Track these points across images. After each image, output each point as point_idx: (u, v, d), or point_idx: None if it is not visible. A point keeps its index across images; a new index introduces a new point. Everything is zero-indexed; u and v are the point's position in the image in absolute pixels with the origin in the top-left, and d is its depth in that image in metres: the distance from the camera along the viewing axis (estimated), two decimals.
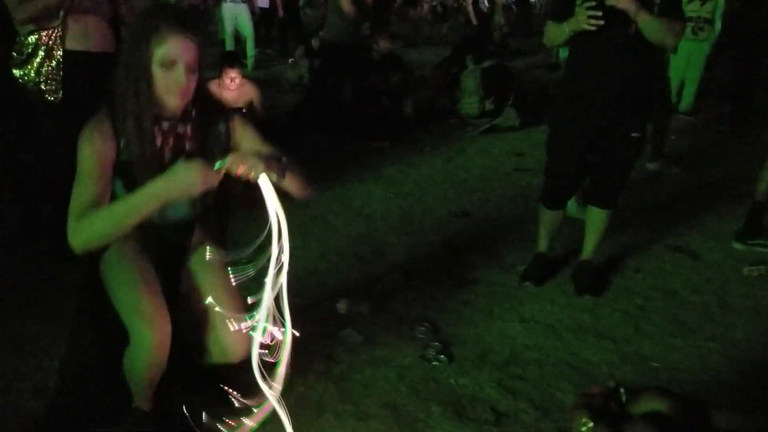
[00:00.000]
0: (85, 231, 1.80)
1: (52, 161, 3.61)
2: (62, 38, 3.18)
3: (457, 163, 5.79)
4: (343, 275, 3.60)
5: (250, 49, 9.93)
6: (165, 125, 1.93)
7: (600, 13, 2.89)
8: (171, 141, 1.95)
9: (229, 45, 9.68)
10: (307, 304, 3.20)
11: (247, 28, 9.79)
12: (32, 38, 3.17)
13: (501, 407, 2.57)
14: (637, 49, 3.03)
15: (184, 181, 1.76)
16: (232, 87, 5.58)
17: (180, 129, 1.96)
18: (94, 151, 1.83)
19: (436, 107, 7.57)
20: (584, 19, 2.93)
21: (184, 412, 2.12)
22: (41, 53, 3.17)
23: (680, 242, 4.14)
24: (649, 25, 2.91)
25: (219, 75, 5.61)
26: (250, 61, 9.75)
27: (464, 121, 7.15)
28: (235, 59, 5.86)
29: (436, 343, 2.92)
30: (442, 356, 2.83)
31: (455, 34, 12.65)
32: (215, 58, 5.90)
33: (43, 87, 3.22)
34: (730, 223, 4.28)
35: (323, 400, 2.56)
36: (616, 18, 2.91)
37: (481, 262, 3.80)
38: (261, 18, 10.85)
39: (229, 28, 9.80)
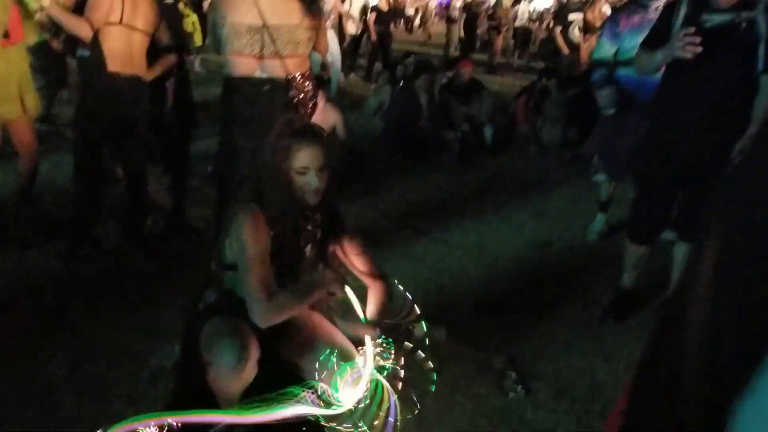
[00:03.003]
0: (277, 307, 2.13)
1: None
2: None
3: (537, 192, 5.72)
4: (420, 300, 3.58)
5: (335, 74, 10.12)
6: (305, 216, 2.27)
7: (698, 40, 2.77)
8: (309, 227, 2.28)
9: (315, 69, 9.89)
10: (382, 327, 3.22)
11: (335, 53, 10.00)
12: None
13: None
14: (737, 79, 2.92)
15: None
16: (316, 111, 5.70)
17: (316, 217, 2.29)
18: (260, 239, 2.15)
19: (517, 134, 7.52)
20: (681, 46, 2.82)
21: None
22: None
23: None
24: None
25: None
26: (334, 86, 9.92)
27: (546, 150, 7.07)
28: (320, 83, 5.99)
29: (513, 374, 2.87)
30: (519, 387, 2.79)
31: (541, 61, 12.59)
32: None
33: None
34: None
35: (397, 424, 2.56)
36: (715, 45, 2.81)
37: (562, 294, 3.73)
38: (349, 44, 11.06)
39: (315, 53, 10.02)
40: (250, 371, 2.16)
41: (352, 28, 10.77)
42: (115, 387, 2.66)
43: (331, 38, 9.80)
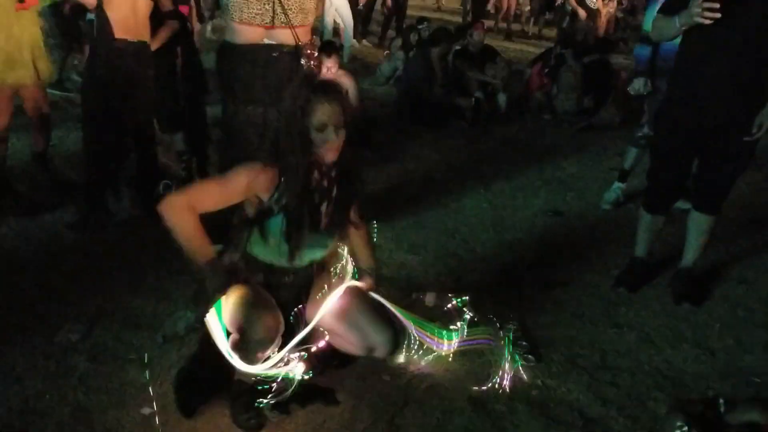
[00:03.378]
0: (171, 216, 2.11)
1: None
2: None
3: (551, 160, 5.67)
4: (432, 269, 3.61)
5: (348, 40, 10.02)
6: (321, 172, 2.25)
7: (717, 6, 2.69)
8: (325, 184, 2.27)
9: (327, 35, 9.81)
10: (395, 296, 3.22)
11: (347, 19, 9.89)
12: None
13: (589, 412, 2.52)
14: (756, 47, 2.86)
15: (211, 285, 2.15)
16: (329, 76, 5.66)
17: (332, 174, 2.27)
18: (246, 183, 2.16)
19: (532, 103, 7.44)
20: (699, 12, 2.75)
21: None
22: None
23: None
24: None
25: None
26: (346, 52, 9.80)
27: (560, 118, 7.00)
28: (332, 49, 5.92)
29: (525, 342, 2.88)
30: (530, 356, 2.80)
31: (557, 28, 12.40)
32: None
33: None
34: None
35: (408, 391, 2.58)
36: (733, 12, 2.74)
37: (574, 264, 3.72)
38: (362, 10, 10.91)
39: (328, 18, 9.93)
40: (275, 341, 2.21)
41: None
42: (128, 351, 2.68)
43: (344, 4, 9.71)
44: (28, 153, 4.43)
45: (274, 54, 3.14)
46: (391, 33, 11.14)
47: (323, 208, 2.29)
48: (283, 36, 3.15)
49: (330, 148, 2.16)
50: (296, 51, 3.18)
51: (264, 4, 3.06)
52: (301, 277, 2.42)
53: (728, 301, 3.40)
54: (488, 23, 12.95)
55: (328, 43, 6.43)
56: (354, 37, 10.40)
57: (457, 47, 7.40)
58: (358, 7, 10.84)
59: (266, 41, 3.13)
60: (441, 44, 6.87)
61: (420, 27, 8.71)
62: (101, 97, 3.68)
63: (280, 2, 3.08)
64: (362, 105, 5.99)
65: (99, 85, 3.67)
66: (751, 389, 2.69)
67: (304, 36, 3.23)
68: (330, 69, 5.64)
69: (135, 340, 2.76)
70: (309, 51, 3.25)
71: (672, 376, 2.76)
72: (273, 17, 3.09)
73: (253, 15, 3.07)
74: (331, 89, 2.18)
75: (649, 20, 4.14)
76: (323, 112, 2.12)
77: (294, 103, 2.15)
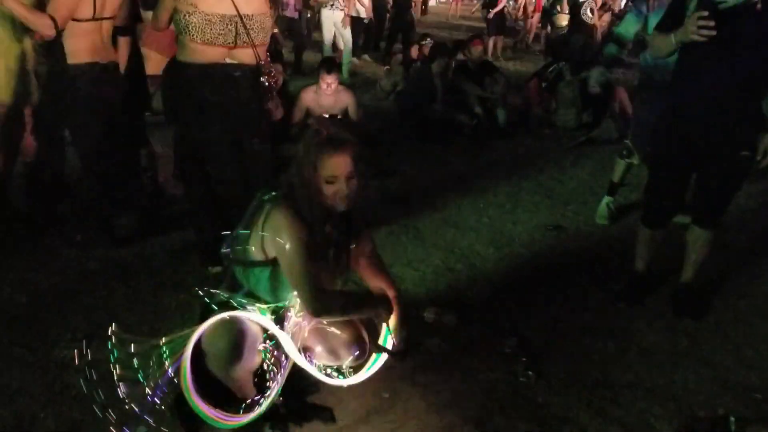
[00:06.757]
0: (327, 310, 2.22)
1: None
2: None
3: (550, 175, 5.67)
4: (431, 284, 3.59)
5: (347, 56, 10.07)
6: (333, 222, 2.24)
7: (712, 23, 2.73)
8: (334, 234, 2.25)
9: (327, 51, 9.86)
10: None
11: (346, 35, 9.94)
12: None
13: (590, 430, 2.49)
14: (751, 62, 2.87)
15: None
16: (329, 92, 5.68)
17: (341, 224, 2.26)
18: (301, 230, 2.14)
19: (531, 117, 7.45)
20: (695, 30, 2.78)
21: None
22: None
23: None
24: None
25: (316, 81, 5.73)
26: (345, 68, 9.84)
27: (560, 133, 7.00)
28: (332, 65, 5.95)
29: (525, 359, 2.86)
30: (530, 372, 2.78)
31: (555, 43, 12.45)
32: (314, 64, 6.03)
33: None
34: None
35: (408, 407, 2.56)
36: (728, 29, 2.76)
37: (574, 278, 3.70)
38: (360, 26, 10.95)
39: (327, 35, 9.99)
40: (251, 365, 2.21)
41: (363, 11, 10.67)
42: (124, 369, 2.66)
43: (343, 22, 9.76)
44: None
45: (237, 73, 3.22)
46: (398, 47, 11.19)
47: (329, 254, 2.27)
48: (244, 55, 3.24)
49: (340, 198, 2.15)
50: (257, 69, 3.28)
51: (227, 24, 3.12)
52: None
53: (729, 315, 3.38)
54: (507, 41, 13.11)
55: (328, 60, 6.47)
56: (354, 54, 10.45)
57: (459, 58, 7.43)
58: (365, 21, 10.89)
59: (228, 60, 3.21)
60: (438, 59, 6.90)
61: (423, 43, 8.77)
62: (90, 124, 3.61)
63: (243, 23, 3.15)
64: (367, 127, 5.99)
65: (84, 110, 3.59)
66: (753, 406, 2.67)
67: (263, 54, 3.33)
68: (330, 85, 5.66)
69: (131, 358, 2.73)
70: (268, 68, 3.38)
71: (673, 392, 2.74)
72: (236, 37, 3.16)
73: (216, 35, 3.12)
74: (339, 141, 2.16)
75: (625, 27, 4.33)
76: (332, 165, 2.12)
77: (305, 155, 2.15)
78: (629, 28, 4.28)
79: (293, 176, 2.18)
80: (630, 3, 4.65)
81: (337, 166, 2.12)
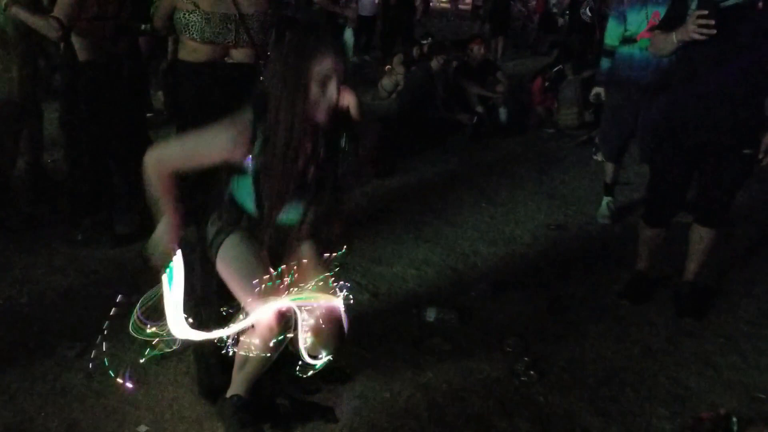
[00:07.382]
0: (145, 172, 2.07)
1: None
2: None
3: (552, 174, 5.66)
4: (432, 284, 3.58)
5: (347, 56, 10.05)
6: (309, 133, 2.03)
7: (713, 22, 2.73)
8: (308, 148, 2.05)
9: None
10: (395, 311, 3.21)
11: (346, 35, 9.92)
12: None
13: (592, 429, 2.48)
14: (752, 61, 2.86)
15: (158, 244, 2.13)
16: None
17: (320, 139, 2.06)
18: (220, 143, 1.99)
19: (533, 117, 7.44)
20: (695, 29, 2.78)
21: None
22: None
23: None
24: None
25: None
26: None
27: (561, 132, 6.99)
28: None
29: (526, 358, 2.84)
30: (531, 372, 2.76)
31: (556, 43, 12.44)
32: None
33: None
34: None
35: (409, 407, 2.55)
36: (729, 27, 2.76)
37: (576, 278, 3.69)
38: (362, 26, 10.95)
39: None
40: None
41: (365, 10, 10.67)
42: (124, 368, 2.65)
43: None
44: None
45: (236, 72, 3.22)
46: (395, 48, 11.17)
47: (309, 172, 2.09)
48: (244, 54, 3.24)
49: (324, 106, 1.98)
50: (256, 68, 3.25)
51: (227, 24, 3.12)
52: (276, 238, 2.20)
53: (732, 315, 3.36)
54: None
55: None
56: (354, 54, 10.43)
57: (460, 57, 7.42)
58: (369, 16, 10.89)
59: (228, 59, 3.22)
60: (436, 57, 6.89)
61: (423, 42, 8.75)
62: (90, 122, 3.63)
63: (243, 22, 3.14)
64: (377, 126, 5.96)
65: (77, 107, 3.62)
66: (755, 406, 2.66)
67: (263, 53, 3.29)
68: None
69: (131, 358, 2.73)
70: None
71: (675, 391, 2.73)
72: (236, 36, 3.17)
73: (216, 34, 3.13)
74: (339, 44, 2.02)
75: (609, 34, 4.37)
76: (330, 63, 1.94)
77: (296, 51, 1.94)
78: (613, 35, 4.30)
79: (272, 85, 1.98)
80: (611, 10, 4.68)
81: (334, 65, 1.94)
